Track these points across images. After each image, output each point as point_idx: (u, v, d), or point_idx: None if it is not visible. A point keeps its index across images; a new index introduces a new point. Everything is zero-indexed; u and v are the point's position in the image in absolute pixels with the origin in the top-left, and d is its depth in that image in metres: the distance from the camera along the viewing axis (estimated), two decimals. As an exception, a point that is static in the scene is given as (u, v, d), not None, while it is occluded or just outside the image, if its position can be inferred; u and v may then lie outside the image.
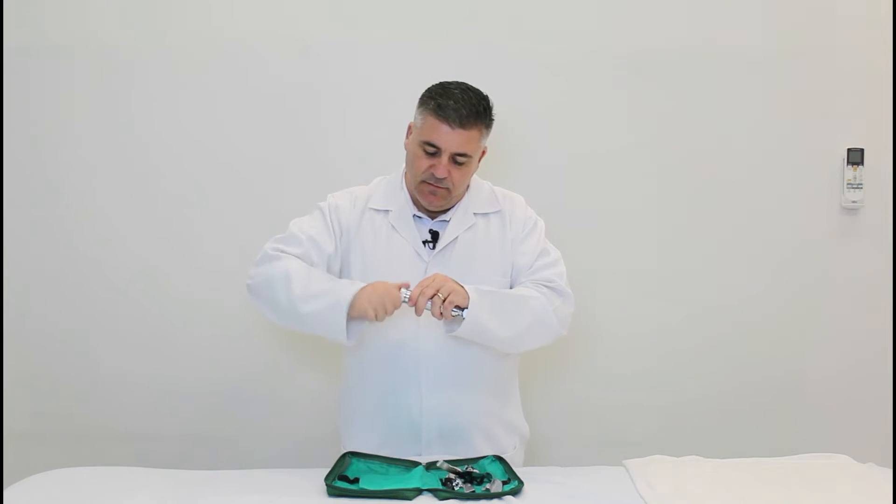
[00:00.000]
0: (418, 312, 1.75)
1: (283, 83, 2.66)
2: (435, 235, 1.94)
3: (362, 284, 1.79)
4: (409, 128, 1.92)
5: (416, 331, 1.87)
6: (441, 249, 1.91)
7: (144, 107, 2.66)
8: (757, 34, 2.69)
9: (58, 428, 2.71)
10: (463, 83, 1.88)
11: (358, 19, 2.66)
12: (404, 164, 1.96)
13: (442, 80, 1.89)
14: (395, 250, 1.91)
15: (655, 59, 2.68)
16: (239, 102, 2.66)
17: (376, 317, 1.74)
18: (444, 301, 1.73)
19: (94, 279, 2.68)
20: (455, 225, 1.93)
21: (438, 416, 1.90)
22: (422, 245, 1.92)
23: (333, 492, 1.66)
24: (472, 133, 1.83)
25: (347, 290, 1.77)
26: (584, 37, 2.68)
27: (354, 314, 1.76)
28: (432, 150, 1.83)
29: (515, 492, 1.68)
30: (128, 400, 2.71)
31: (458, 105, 1.81)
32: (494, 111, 1.89)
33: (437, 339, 1.87)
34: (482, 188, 2.00)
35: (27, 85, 2.64)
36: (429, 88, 1.88)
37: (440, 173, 1.83)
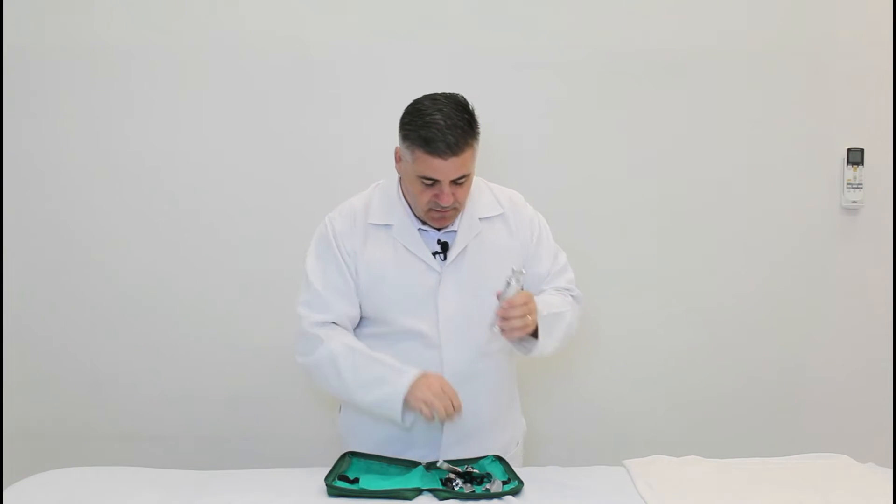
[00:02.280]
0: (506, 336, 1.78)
1: (284, 85, 2.66)
2: (443, 245, 1.90)
3: (416, 374, 1.76)
4: (397, 154, 1.83)
5: (437, 336, 1.85)
6: (453, 260, 1.88)
7: (145, 107, 2.66)
8: (757, 34, 2.69)
9: (58, 428, 2.72)
10: (438, 100, 1.76)
11: (357, 21, 2.65)
12: (397, 174, 1.90)
13: (416, 101, 1.79)
14: (404, 265, 1.87)
15: (655, 60, 2.68)
16: (239, 104, 2.66)
17: (432, 416, 1.73)
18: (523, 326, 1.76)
19: (95, 279, 2.68)
20: (463, 234, 1.89)
21: (458, 422, 1.84)
22: (432, 257, 1.88)
23: (333, 492, 1.66)
24: (466, 154, 1.76)
25: (401, 381, 1.75)
26: (585, 37, 2.68)
27: (408, 406, 1.75)
28: (431, 182, 1.78)
29: (515, 492, 1.68)
30: (128, 400, 2.71)
31: (445, 133, 1.71)
32: (478, 113, 1.79)
33: (458, 346, 1.86)
34: (481, 190, 1.96)
35: (27, 85, 2.64)
36: (408, 118, 1.77)
37: (445, 202, 1.78)
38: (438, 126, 1.72)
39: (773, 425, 2.76)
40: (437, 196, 1.78)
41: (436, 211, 1.81)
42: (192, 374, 2.70)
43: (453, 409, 1.74)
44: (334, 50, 2.65)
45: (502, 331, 1.76)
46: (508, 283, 1.75)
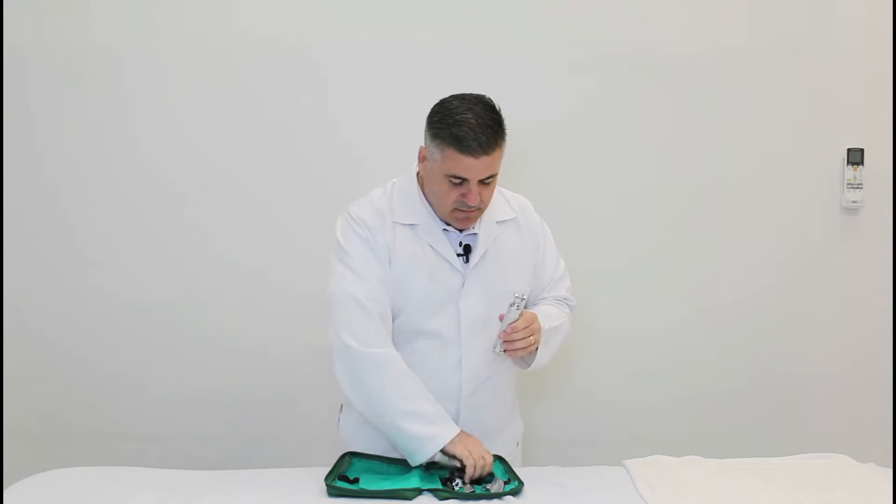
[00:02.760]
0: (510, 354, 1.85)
1: (284, 85, 2.66)
2: (466, 248, 1.90)
3: (459, 429, 1.77)
4: (421, 153, 1.83)
5: (458, 337, 1.86)
6: (476, 262, 1.89)
7: (145, 108, 2.66)
8: (757, 34, 2.69)
9: (58, 428, 2.72)
10: (469, 100, 1.77)
11: (358, 21, 2.65)
12: (415, 170, 1.90)
13: (444, 101, 1.79)
14: (432, 265, 1.86)
15: (655, 59, 2.68)
16: (240, 105, 2.66)
17: (473, 465, 1.73)
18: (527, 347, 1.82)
19: (95, 279, 2.68)
20: (484, 237, 1.90)
21: (472, 424, 1.86)
22: (457, 258, 1.88)
23: (333, 492, 1.66)
24: (496, 153, 1.76)
25: (449, 430, 1.76)
26: (585, 37, 2.68)
27: (445, 450, 1.76)
28: (459, 181, 1.77)
29: (515, 492, 1.68)
30: (128, 400, 2.71)
31: (477, 132, 1.71)
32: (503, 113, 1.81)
33: (477, 347, 1.88)
34: (494, 193, 1.94)
35: (27, 85, 2.64)
36: (437, 116, 1.77)
37: (473, 201, 1.78)
38: (470, 125, 1.72)
39: (773, 425, 2.75)
40: (464, 195, 1.78)
41: (461, 211, 1.81)
42: (192, 374, 2.70)
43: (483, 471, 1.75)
44: (334, 53, 2.65)
45: (505, 352, 1.82)
46: (510, 307, 1.79)
